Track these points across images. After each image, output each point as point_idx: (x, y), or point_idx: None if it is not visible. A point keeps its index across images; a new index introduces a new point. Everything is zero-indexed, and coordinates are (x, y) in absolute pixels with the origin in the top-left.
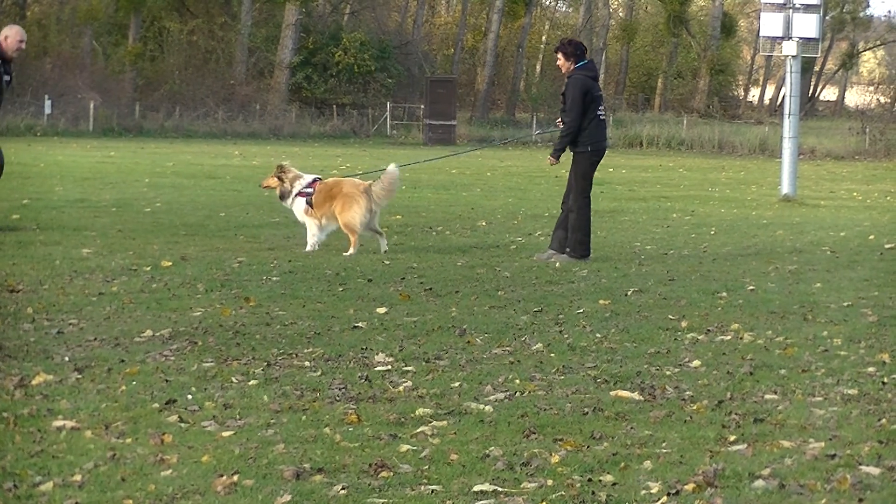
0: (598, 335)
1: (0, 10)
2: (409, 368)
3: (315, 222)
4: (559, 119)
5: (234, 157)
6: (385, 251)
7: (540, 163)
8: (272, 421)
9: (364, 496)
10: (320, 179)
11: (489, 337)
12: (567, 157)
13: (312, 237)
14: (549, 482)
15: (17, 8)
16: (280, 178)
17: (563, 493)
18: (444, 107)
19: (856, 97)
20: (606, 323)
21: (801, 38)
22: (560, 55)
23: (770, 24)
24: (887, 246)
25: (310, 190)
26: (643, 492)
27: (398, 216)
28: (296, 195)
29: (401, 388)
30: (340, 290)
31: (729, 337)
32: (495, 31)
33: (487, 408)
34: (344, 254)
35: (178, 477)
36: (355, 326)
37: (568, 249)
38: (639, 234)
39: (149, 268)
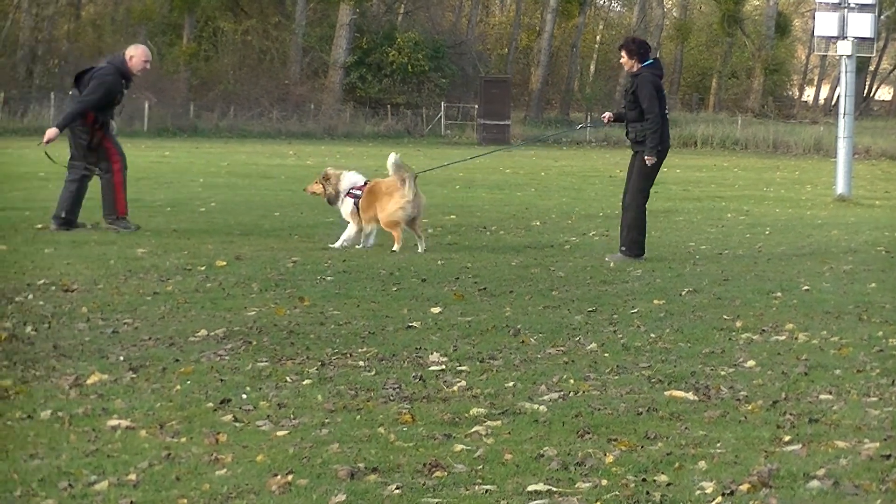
0: (652, 335)
1: (55, 10)
2: (463, 368)
3: (355, 225)
4: (606, 114)
5: (289, 157)
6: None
7: (594, 162)
8: (326, 420)
9: (418, 496)
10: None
11: (543, 337)
12: (619, 155)
13: (345, 238)
14: (604, 482)
15: (73, 9)
16: (323, 185)
17: (617, 493)
18: (498, 106)
19: None
20: (661, 323)
21: (855, 38)
22: (624, 52)
23: (825, 24)
24: None
25: (359, 192)
26: (698, 492)
27: (452, 216)
28: (345, 196)
29: (455, 388)
30: (394, 289)
31: (783, 337)
32: (549, 30)
33: (541, 408)
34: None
35: (232, 476)
36: (409, 326)
37: (623, 248)
38: (693, 233)
39: (203, 267)
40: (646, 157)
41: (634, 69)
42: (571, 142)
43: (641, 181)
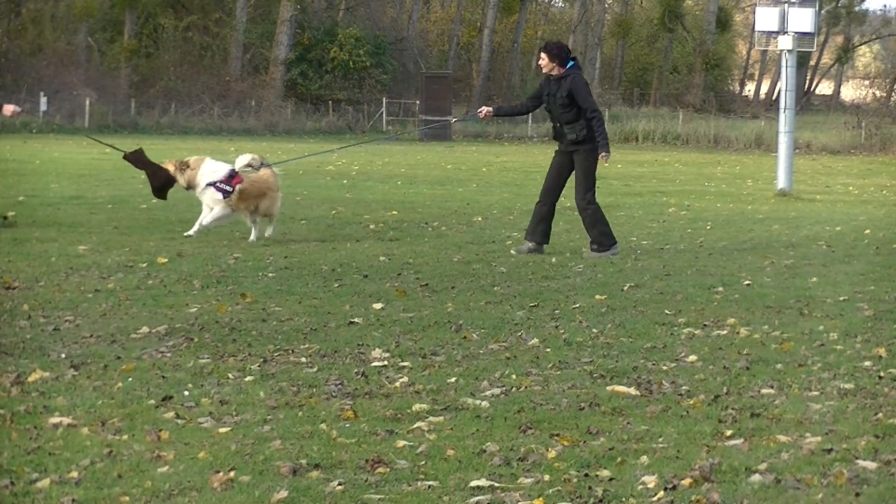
0: (594, 330)
1: None
2: (405, 364)
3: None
4: (484, 109)
5: (231, 154)
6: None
7: (536, 157)
8: (268, 417)
9: (361, 492)
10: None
11: (485, 332)
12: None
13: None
14: (546, 477)
15: (12, 5)
16: None
17: (559, 488)
18: (439, 102)
19: (851, 91)
20: (602, 318)
21: (796, 33)
22: (545, 55)
23: (765, 19)
24: None
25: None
26: (640, 487)
27: (394, 212)
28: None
29: (397, 384)
30: (336, 286)
31: (725, 332)
32: (490, 26)
33: (484, 403)
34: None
35: (174, 473)
36: (351, 322)
37: (595, 246)
38: (635, 229)
39: (145, 264)
40: (602, 156)
41: (556, 72)
42: (513, 137)
43: (587, 179)
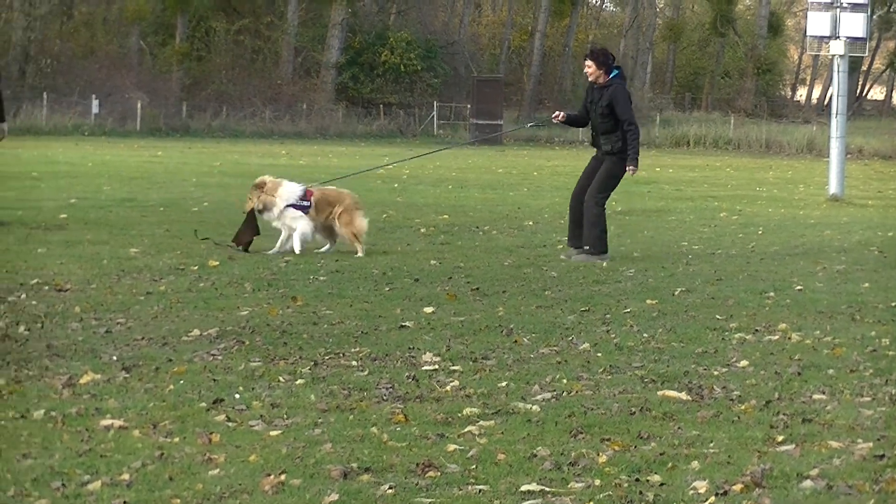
0: (645, 335)
1: (47, 10)
2: (456, 368)
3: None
4: (559, 113)
5: (281, 157)
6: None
7: (586, 162)
8: (319, 420)
9: (411, 496)
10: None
11: (536, 336)
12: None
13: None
14: (597, 482)
15: (65, 8)
16: None
17: (610, 493)
18: (490, 106)
19: None
20: (654, 322)
21: (848, 38)
22: (593, 62)
23: (817, 24)
24: None
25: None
26: (690, 492)
27: (445, 216)
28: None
29: (448, 388)
30: (387, 289)
31: (776, 337)
32: (541, 30)
33: (535, 407)
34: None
35: (225, 476)
36: (402, 326)
37: (587, 247)
38: (686, 233)
39: (196, 267)
40: (629, 168)
41: (601, 80)
42: (564, 141)
43: (608, 181)
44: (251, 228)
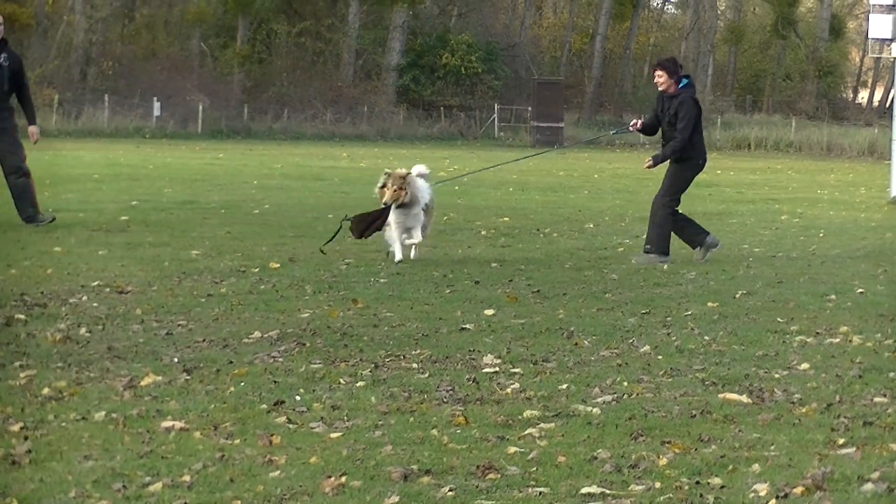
0: (706, 337)
1: (109, 13)
2: (516, 370)
3: None
4: (635, 122)
5: (342, 159)
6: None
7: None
8: (380, 422)
9: (472, 498)
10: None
11: (597, 339)
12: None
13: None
14: (657, 485)
15: (127, 11)
16: None
17: (670, 495)
18: (551, 109)
19: None
20: (714, 325)
21: None
22: (664, 72)
23: (879, 26)
24: None
25: None
26: (751, 495)
27: (506, 218)
28: None
29: (508, 390)
30: (448, 291)
31: (838, 340)
32: (602, 32)
33: (595, 410)
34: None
35: (286, 478)
36: (463, 328)
37: (648, 247)
38: (747, 236)
39: (257, 269)
40: (648, 161)
41: (672, 90)
42: (625, 144)
43: (677, 183)
44: (381, 220)
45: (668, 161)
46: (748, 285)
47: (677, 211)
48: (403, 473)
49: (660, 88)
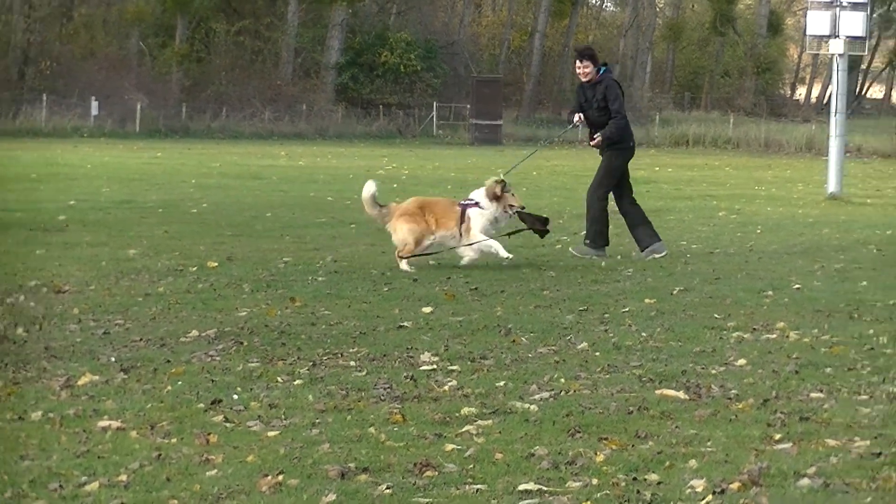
0: (643, 334)
1: (47, 12)
2: (454, 368)
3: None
4: (580, 116)
5: (281, 158)
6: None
7: (586, 161)
8: (317, 421)
9: (409, 495)
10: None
11: (534, 336)
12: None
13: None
14: (594, 481)
15: (65, 10)
16: None
17: (607, 492)
18: (490, 106)
19: None
20: (652, 322)
21: (847, 37)
22: (590, 63)
23: (817, 23)
24: None
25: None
26: (688, 491)
27: None
28: None
29: (446, 388)
30: (386, 289)
31: (774, 335)
32: (541, 30)
33: (532, 407)
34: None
35: (223, 477)
36: (401, 326)
37: (587, 241)
38: (685, 232)
39: (195, 268)
40: (594, 139)
41: (594, 77)
42: (563, 141)
43: (608, 178)
44: (536, 220)
45: (605, 154)
46: (686, 282)
47: (636, 205)
48: (341, 471)
49: (585, 79)
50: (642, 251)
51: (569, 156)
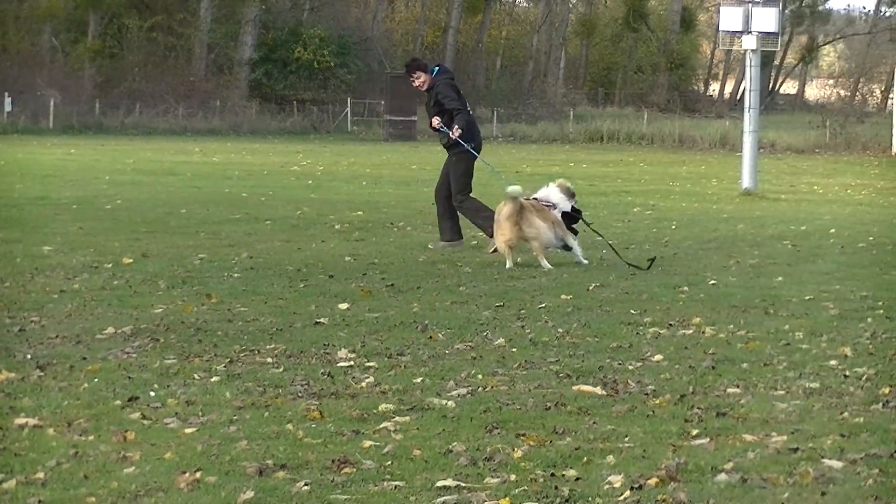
0: (560, 330)
1: None
2: (371, 364)
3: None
4: (434, 120)
5: (195, 154)
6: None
7: (501, 157)
8: (235, 417)
9: (327, 492)
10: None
11: (451, 332)
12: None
13: None
14: (512, 477)
15: None
16: None
17: (526, 487)
18: (404, 102)
19: (815, 91)
20: (568, 318)
21: (760, 33)
22: (420, 72)
23: (729, 19)
24: (860, 245)
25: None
26: (606, 486)
27: (359, 212)
28: None
29: (363, 384)
30: (302, 286)
31: (691, 331)
32: (455, 26)
33: (450, 403)
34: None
35: (140, 474)
36: (317, 322)
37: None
38: (600, 228)
39: (110, 265)
40: (455, 131)
41: (428, 83)
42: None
43: (462, 181)
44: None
45: (449, 153)
46: (601, 277)
47: (451, 200)
48: (259, 468)
49: (422, 88)
50: (441, 242)
51: (483, 152)
